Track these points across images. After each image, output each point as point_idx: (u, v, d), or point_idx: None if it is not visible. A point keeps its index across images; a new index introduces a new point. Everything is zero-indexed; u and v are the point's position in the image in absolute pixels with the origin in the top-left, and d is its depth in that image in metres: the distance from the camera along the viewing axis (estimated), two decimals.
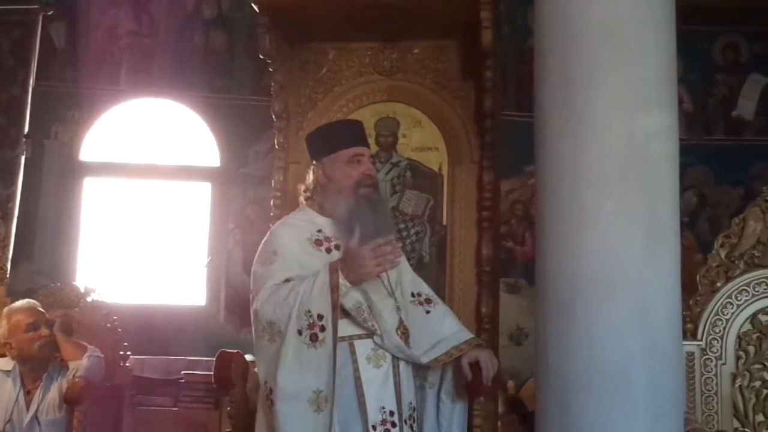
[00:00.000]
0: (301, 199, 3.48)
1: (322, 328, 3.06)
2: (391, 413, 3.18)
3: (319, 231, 3.33)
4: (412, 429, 3.25)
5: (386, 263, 3.10)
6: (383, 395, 3.19)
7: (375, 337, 3.20)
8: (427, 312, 3.41)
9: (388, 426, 3.16)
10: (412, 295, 3.45)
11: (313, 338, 3.06)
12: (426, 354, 3.28)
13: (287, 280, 3.18)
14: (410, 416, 3.25)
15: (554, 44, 3.21)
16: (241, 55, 8.98)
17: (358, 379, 3.18)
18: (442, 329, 3.37)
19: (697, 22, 8.07)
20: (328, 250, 3.30)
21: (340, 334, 3.11)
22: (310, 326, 3.07)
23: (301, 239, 3.30)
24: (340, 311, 3.10)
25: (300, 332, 3.07)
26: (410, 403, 3.27)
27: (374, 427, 3.15)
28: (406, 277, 3.48)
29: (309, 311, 3.07)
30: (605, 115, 3.08)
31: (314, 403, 3.05)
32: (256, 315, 3.20)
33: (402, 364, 3.27)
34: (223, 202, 8.82)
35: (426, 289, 3.51)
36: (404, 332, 3.28)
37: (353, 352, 3.20)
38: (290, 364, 3.07)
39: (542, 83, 3.26)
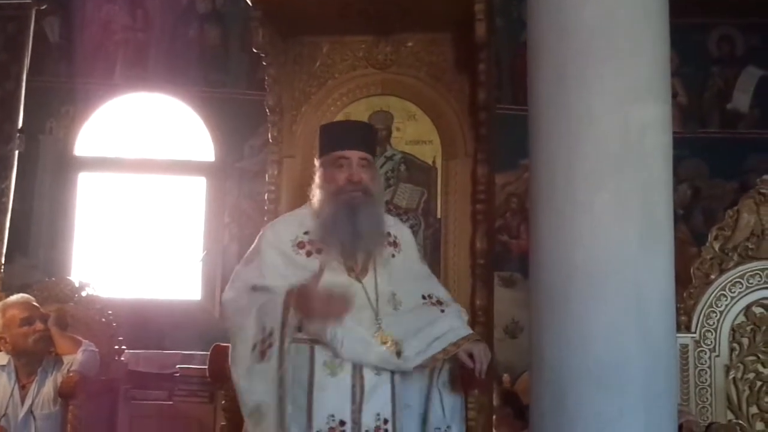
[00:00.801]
0: None
1: (270, 345, 3.05)
2: (342, 423, 3.10)
3: (306, 233, 3.30)
4: None
5: (331, 319, 3.07)
6: (334, 403, 3.12)
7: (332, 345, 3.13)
8: (442, 311, 3.36)
9: None
10: (423, 297, 3.37)
11: (263, 354, 3.05)
12: (420, 354, 3.21)
13: (255, 288, 3.19)
14: (377, 428, 3.14)
15: (548, 37, 3.21)
16: (236, 49, 8.96)
17: (310, 384, 3.13)
18: (443, 327, 3.34)
19: (692, 14, 8.06)
20: (308, 254, 3.27)
21: (302, 336, 3.10)
22: (263, 341, 3.06)
23: (284, 243, 3.28)
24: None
25: (254, 347, 3.07)
26: (377, 414, 3.15)
27: None
28: (419, 275, 3.44)
29: (263, 328, 3.07)
30: (599, 108, 3.08)
31: (256, 413, 3.08)
32: (222, 306, 3.26)
33: (369, 375, 3.18)
34: (219, 196, 8.81)
35: (436, 291, 3.43)
36: (385, 342, 3.18)
37: (312, 356, 3.15)
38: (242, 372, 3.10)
39: (536, 76, 3.26)
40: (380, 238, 3.31)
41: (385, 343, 3.18)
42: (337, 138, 3.37)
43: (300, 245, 3.28)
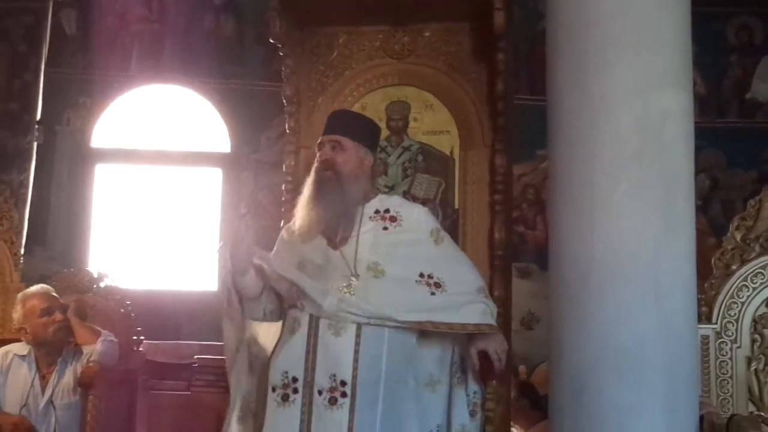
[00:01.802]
0: None
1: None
2: (294, 379, 3.23)
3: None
4: (331, 402, 3.18)
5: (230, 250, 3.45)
6: (289, 360, 3.26)
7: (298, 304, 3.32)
8: (432, 294, 3.37)
9: (288, 391, 3.23)
10: (420, 275, 3.40)
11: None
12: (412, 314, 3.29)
13: None
14: (332, 389, 3.19)
15: (567, 26, 3.19)
16: (251, 40, 8.96)
17: (277, 343, 3.37)
18: (440, 313, 3.34)
19: (711, 3, 8.00)
20: (301, 233, 3.46)
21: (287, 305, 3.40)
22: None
23: (289, 232, 3.55)
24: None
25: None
26: (332, 375, 3.20)
27: (273, 389, 3.27)
28: (422, 255, 3.43)
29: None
30: (619, 98, 3.07)
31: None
32: None
33: (326, 334, 3.25)
34: (235, 187, 8.82)
35: (446, 275, 3.41)
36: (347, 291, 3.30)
37: (284, 320, 3.41)
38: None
39: (555, 65, 3.24)
40: (350, 211, 3.44)
41: (347, 292, 3.29)
42: (326, 126, 3.59)
43: (295, 229, 3.50)
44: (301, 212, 3.46)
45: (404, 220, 3.47)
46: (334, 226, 3.41)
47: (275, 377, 3.27)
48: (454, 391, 3.40)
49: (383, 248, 3.39)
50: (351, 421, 3.19)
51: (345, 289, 3.29)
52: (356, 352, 3.25)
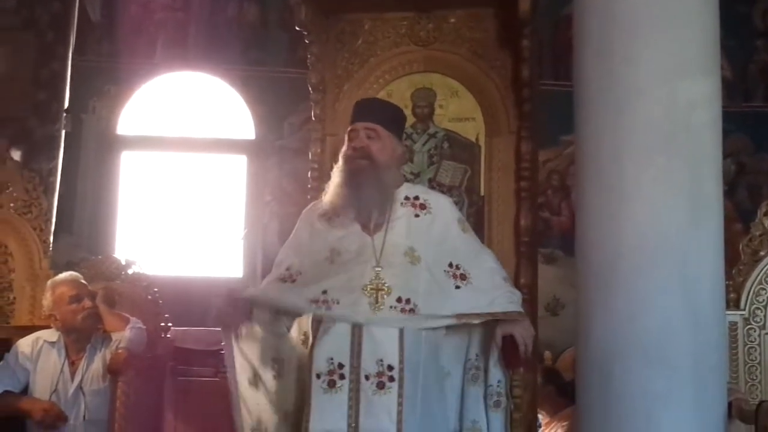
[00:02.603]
0: None
1: None
2: (340, 365, 3.24)
3: (329, 204, 3.51)
4: (379, 386, 3.22)
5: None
6: (333, 347, 3.28)
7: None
8: (457, 287, 3.40)
9: (335, 377, 3.24)
10: (449, 265, 3.44)
11: None
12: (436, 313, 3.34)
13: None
14: (379, 373, 3.23)
15: (594, 10, 3.18)
16: (275, 27, 8.97)
17: (315, 331, 3.36)
18: (466, 304, 3.37)
19: None
20: (329, 219, 3.50)
21: None
22: None
23: (313, 218, 3.54)
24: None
25: None
26: (380, 360, 3.24)
27: (318, 376, 3.26)
28: (450, 245, 3.47)
29: None
30: (646, 83, 3.05)
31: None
32: None
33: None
34: (259, 174, 8.85)
35: (471, 266, 3.44)
36: (380, 289, 3.30)
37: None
38: None
39: (582, 50, 3.23)
40: (383, 199, 3.45)
41: (377, 290, 3.30)
42: (352, 116, 3.60)
43: (323, 215, 3.51)
44: (334, 199, 3.46)
45: (433, 207, 3.51)
46: (368, 213, 3.43)
47: (320, 364, 3.28)
48: (466, 387, 3.43)
49: (418, 234, 3.43)
50: (400, 404, 3.23)
51: (373, 282, 3.30)
52: (401, 338, 3.29)
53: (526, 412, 3.75)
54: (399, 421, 3.21)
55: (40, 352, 4.46)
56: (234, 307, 3.43)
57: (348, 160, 3.46)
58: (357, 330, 3.28)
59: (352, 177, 3.42)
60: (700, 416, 2.93)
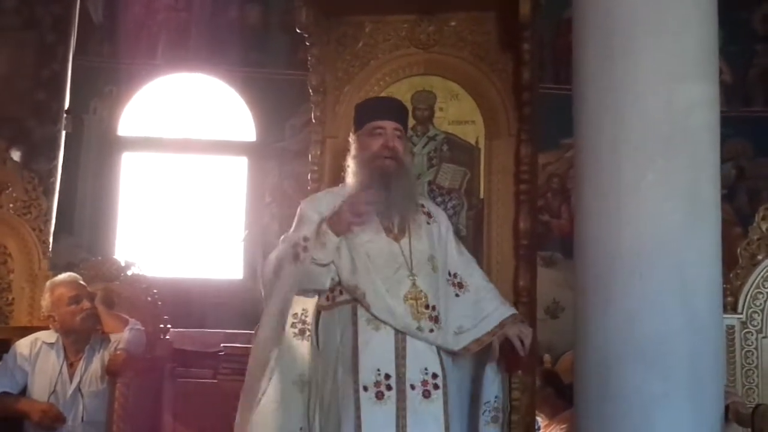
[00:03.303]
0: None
1: (305, 249, 3.24)
2: (387, 376, 3.18)
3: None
4: (425, 395, 3.20)
5: (359, 216, 3.23)
6: (379, 357, 3.21)
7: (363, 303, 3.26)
8: (456, 295, 3.42)
9: (382, 388, 3.18)
10: (449, 274, 3.46)
11: (295, 257, 3.24)
12: (456, 341, 3.34)
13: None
14: (424, 382, 3.21)
15: (594, 14, 3.18)
16: (276, 29, 8.99)
17: (355, 340, 3.23)
18: (468, 318, 3.39)
19: None
20: None
21: (344, 298, 3.30)
22: (295, 245, 3.26)
23: (324, 211, 3.38)
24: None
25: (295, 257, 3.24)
26: (425, 369, 3.23)
27: (366, 388, 3.17)
28: (449, 253, 3.50)
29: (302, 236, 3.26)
30: (645, 87, 3.06)
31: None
32: (265, 265, 3.38)
33: None
34: (260, 176, 8.87)
35: (466, 274, 3.49)
36: (417, 299, 3.28)
37: (354, 314, 3.27)
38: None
39: (581, 53, 3.23)
40: (412, 203, 3.43)
41: (416, 299, 3.26)
42: (372, 110, 3.54)
43: None
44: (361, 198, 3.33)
45: (434, 216, 3.55)
46: (391, 217, 3.38)
47: (366, 376, 3.19)
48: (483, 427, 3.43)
49: (432, 242, 3.44)
50: (446, 412, 3.22)
51: (411, 291, 3.28)
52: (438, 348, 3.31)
53: (525, 414, 3.75)
54: (446, 428, 3.21)
55: (38, 353, 4.46)
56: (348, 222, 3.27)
57: (375, 157, 3.38)
58: (400, 337, 3.24)
59: (382, 176, 3.34)
60: (697, 419, 2.94)
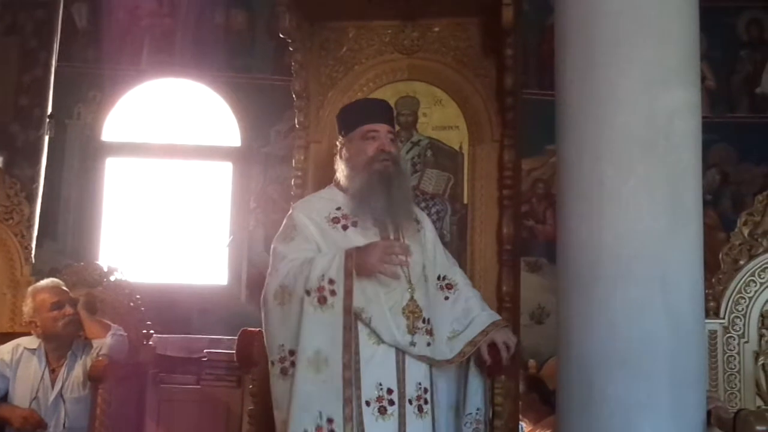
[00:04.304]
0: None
1: (333, 293, 3.11)
2: (389, 391, 3.17)
3: (338, 209, 3.39)
4: (419, 410, 3.21)
5: (391, 263, 3.14)
6: (381, 371, 3.19)
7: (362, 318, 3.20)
8: (446, 298, 3.43)
9: (384, 403, 3.16)
10: (438, 278, 3.46)
11: (321, 300, 3.12)
12: (450, 348, 3.35)
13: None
14: (418, 397, 3.22)
15: (575, 21, 3.18)
16: (262, 34, 8.97)
17: (356, 354, 3.17)
18: (459, 321, 3.40)
19: None
20: (345, 227, 3.35)
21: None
22: (320, 289, 3.12)
23: (318, 219, 3.35)
24: None
25: (308, 293, 3.12)
26: (419, 384, 3.23)
27: (368, 403, 3.15)
28: (437, 257, 3.51)
29: (322, 276, 3.12)
30: (627, 93, 3.05)
31: (313, 364, 3.11)
32: (267, 286, 3.27)
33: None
34: (244, 181, 8.84)
35: (451, 273, 3.52)
36: (414, 312, 3.26)
37: (355, 327, 3.20)
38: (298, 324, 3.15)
39: (563, 60, 3.24)
40: (410, 208, 3.43)
41: (413, 312, 3.24)
42: (363, 113, 3.50)
43: (335, 221, 3.36)
44: (360, 201, 3.32)
45: (421, 222, 3.55)
46: (385, 224, 3.35)
47: (368, 390, 3.16)
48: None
49: (422, 250, 3.43)
50: (434, 429, 3.24)
51: (409, 304, 3.26)
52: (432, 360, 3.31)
53: (508, 420, 3.75)
54: None
55: (20, 359, 4.45)
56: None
57: (374, 160, 3.35)
58: (401, 352, 3.23)
59: (383, 179, 3.32)
60: (679, 424, 2.93)
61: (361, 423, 3.12)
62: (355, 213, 3.34)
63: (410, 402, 3.19)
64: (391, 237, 3.34)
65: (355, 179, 3.36)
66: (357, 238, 3.30)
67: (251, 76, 8.91)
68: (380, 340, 3.20)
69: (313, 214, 3.38)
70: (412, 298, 3.28)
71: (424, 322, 3.28)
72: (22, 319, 4.60)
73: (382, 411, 3.15)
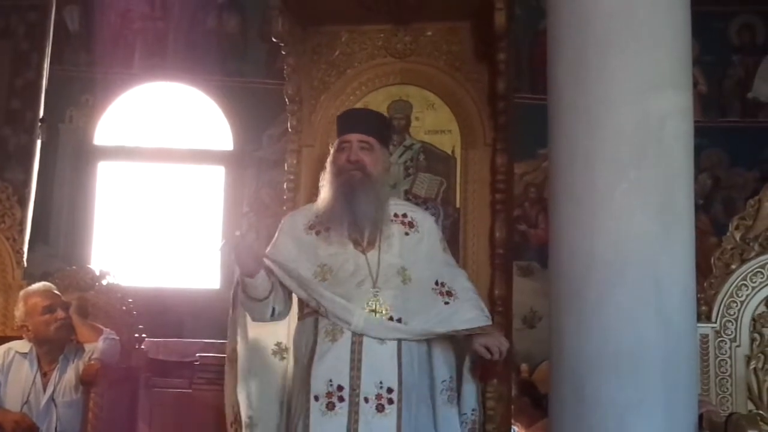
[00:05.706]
0: None
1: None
2: (340, 387, 3.19)
3: (317, 216, 3.46)
4: (379, 409, 3.19)
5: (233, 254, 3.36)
6: (333, 368, 3.22)
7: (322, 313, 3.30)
8: (446, 303, 3.42)
9: (334, 399, 3.18)
10: (436, 283, 3.45)
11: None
12: (441, 325, 3.35)
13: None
14: (378, 396, 3.20)
15: (568, 25, 3.19)
16: (254, 38, 8.97)
17: (312, 352, 3.26)
18: (455, 320, 3.38)
19: (713, 2, 8.02)
20: (318, 233, 3.44)
21: (309, 309, 3.36)
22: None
23: (298, 230, 3.48)
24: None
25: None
26: (379, 383, 3.22)
27: (316, 398, 3.19)
28: (436, 261, 3.50)
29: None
30: (619, 97, 3.06)
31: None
32: None
33: (370, 342, 3.25)
34: (237, 185, 8.84)
35: (453, 283, 3.48)
36: (378, 312, 3.28)
37: (316, 326, 3.30)
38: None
39: (555, 64, 3.24)
40: (378, 215, 3.41)
41: (374, 311, 3.27)
42: (343, 125, 3.56)
43: (311, 227, 3.46)
44: (325, 212, 3.40)
45: (419, 225, 3.53)
46: (361, 229, 3.38)
47: (318, 386, 3.21)
48: (441, 409, 3.41)
49: (408, 254, 3.43)
50: (399, 427, 3.21)
51: (371, 303, 3.29)
52: (399, 358, 3.28)
53: (500, 423, 3.76)
54: None
55: (11, 364, 4.44)
56: (252, 258, 3.34)
57: (341, 171, 3.41)
58: (356, 349, 3.23)
59: (346, 189, 3.37)
60: (671, 427, 2.94)
61: (307, 417, 3.19)
62: (328, 219, 3.41)
63: (366, 400, 3.19)
64: (364, 243, 3.38)
65: (327, 189, 3.43)
66: (327, 245, 3.39)
67: (244, 80, 8.91)
68: (336, 336, 3.24)
69: (293, 227, 3.51)
70: (375, 296, 3.30)
71: (391, 320, 3.28)
72: (14, 322, 4.59)
73: (330, 407, 3.18)
